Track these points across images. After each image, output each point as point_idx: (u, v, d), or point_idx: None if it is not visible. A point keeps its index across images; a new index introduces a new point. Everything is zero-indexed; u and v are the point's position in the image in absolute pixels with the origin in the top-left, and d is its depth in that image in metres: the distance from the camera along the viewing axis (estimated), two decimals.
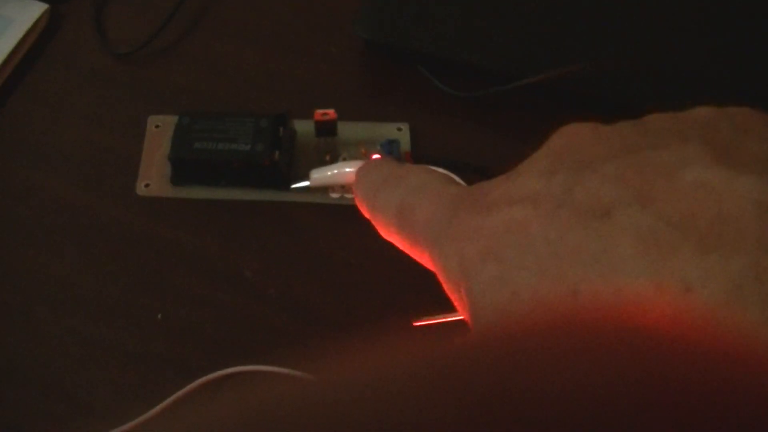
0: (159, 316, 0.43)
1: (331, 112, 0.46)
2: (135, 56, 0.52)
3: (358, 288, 0.44)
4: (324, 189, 0.46)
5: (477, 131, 0.48)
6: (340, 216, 0.46)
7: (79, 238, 0.45)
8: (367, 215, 0.29)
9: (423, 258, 0.25)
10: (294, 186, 0.46)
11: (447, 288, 0.22)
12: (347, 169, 0.45)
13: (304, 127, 0.47)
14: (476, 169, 0.46)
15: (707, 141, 0.19)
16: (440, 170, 0.27)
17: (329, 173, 0.45)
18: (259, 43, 0.52)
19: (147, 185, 0.46)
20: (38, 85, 0.51)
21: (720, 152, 0.18)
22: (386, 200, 0.26)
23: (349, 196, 0.46)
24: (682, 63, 0.48)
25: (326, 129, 0.46)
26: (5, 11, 0.51)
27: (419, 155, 0.47)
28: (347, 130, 0.47)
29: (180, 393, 0.41)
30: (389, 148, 0.46)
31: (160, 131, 0.48)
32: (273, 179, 0.45)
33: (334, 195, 0.46)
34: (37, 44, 0.51)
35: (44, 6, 0.51)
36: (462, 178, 0.44)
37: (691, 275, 0.16)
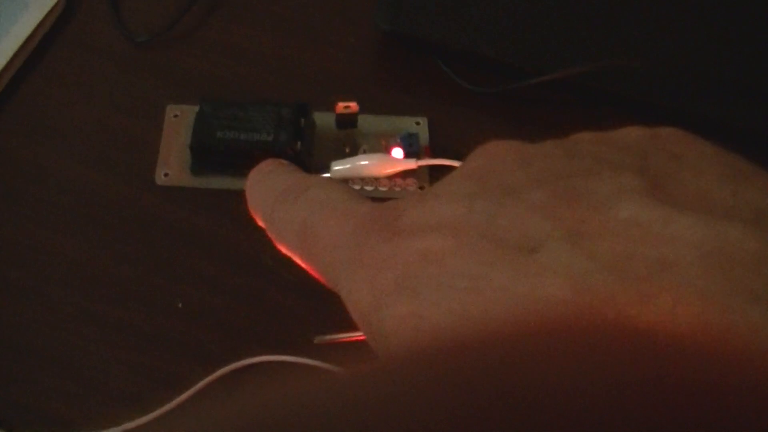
0: (179, 304, 0.44)
1: (353, 105, 0.46)
2: (153, 42, 0.52)
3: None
4: (344, 181, 0.46)
5: (495, 127, 0.49)
6: None
7: (98, 221, 0.45)
8: (260, 224, 0.26)
9: (326, 281, 0.22)
10: None
11: (355, 316, 0.20)
12: (367, 162, 0.46)
13: (323, 118, 0.48)
14: None
15: (640, 171, 0.18)
16: (342, 185, 0.24)
17: (350, 165, 0.46)
18: (278, 31, 0.52)
19: (166, 174, 0.47)
20: (55, 69, 0.50)
21: (654, 185, 0.17)
22: (286, 214, 0.23)
23: (369, 188, 0.46)
24: (699, 61, 0.49)
25: (347, 121, 0.47)
26: None
27: (439, 149, 0.47)
28: (366, 122, 0.48)
29: (202, 383, 0.41)
30: (409, 142, 0.46)
31: (178, 120, 0.48)
32: None
33: (355, 186, 0.46)
34: (54, 29, 0.51)
35: None
36: None
37: (631, 321, 0.15)
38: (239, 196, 0.46)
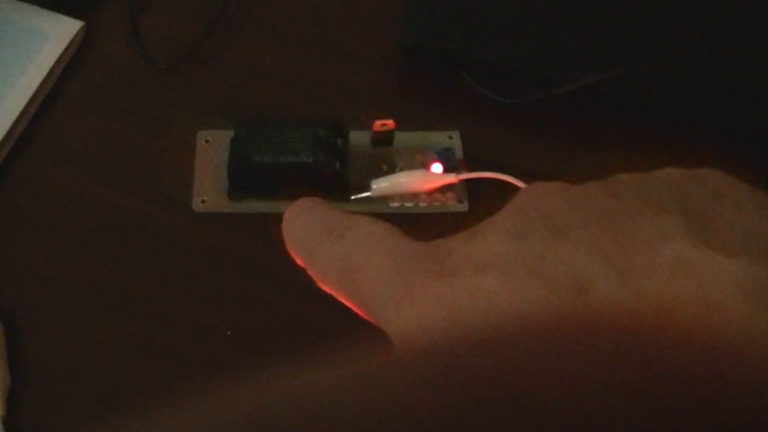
0: (229, 332, 0.43)
1: (390, 123, 0.46)
2: (177, 68, 0.51)
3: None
4: (383, 198, 0.46)
5: (526, 137, 0.49)
6: (402, 225, 0.46)
7: (140, 252, 0.45)
8: (300, 263, 0.26)
9: (371, 318, 0.23)
10: (354, 197, 0.46)
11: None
12: (408, 179, 0.46)
13: (354, 137, 0.48)
14: (530, 175, 0.47)
15: (683, 211, 0.18)
16: (384, 223, 0.24)
17: (390, 183, 0.46)
18: (302, 50, 0.52)
19: (203, 201, 0.46)
20: (80, 99, 0.50)
21: (698, 225, 0.18)
22: (329, 253, 0.23)
23: (408, 204, 0.46)
24: (729, 68, 0.50)
25: (384, 139, 0.47)
26: (41, 25, 0.50)
27: (474, 162, 0.48)
28: (399, 138, 0.48)
29: None
30: (446, 156, 0.46)
31: (210, 146, 0.48)
32: (333, 190, 0.46)
33: (394, 204, 0.46)
34: (75, 60, 0.51)
35: (79, 23, 0.51)
36: (522, 181, 0.46)
37: None
38: (278, 219, 0.46)
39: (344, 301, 0.24)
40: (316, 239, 0.24)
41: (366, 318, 0.23)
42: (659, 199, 0.19)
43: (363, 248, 0.22)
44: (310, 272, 0.25)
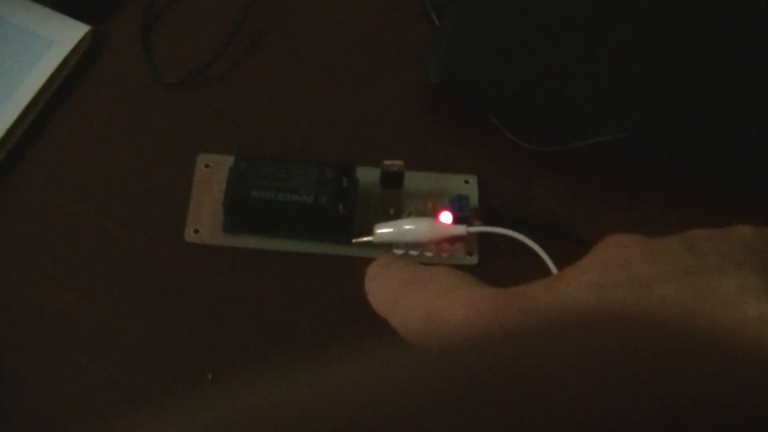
0: (209, 376, 0.41)
1: (399, 164, 0.43)
2: (185, 85, 0.48)
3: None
4: (387, 244, 0.43)
5: (549, 187, 0.46)
6: None
7: (124, 282, 0.42)
8: (384, 316, 0.27)
9: None
10: (356, 240, 0.43)
11: None
12: (413, 227, 0.43)
13: (366, 174, 0.44)
14: (550, 231, 0.43)
15: (762, 269, 0.19)
16: (463, 273, 0.25)
17: (395, 230, 0.42)
18: (319, 77, 0.49)
19: (196, 231, 0.44)
20: (79, 112, 0.47)
21: None
22: (411, 303, 0.24)
23: (414, 253, 0.43)
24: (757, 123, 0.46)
25: (393, 181, 0.43)
26: (45, 32, 0.48)
27: (489, 212, 0.44)
28: (412, 180, 0.44)
29: None
30: (459, 205, 0.43)
31: (210, 172, 0.45)
32: (335, 232, 0.43)
33: (398, 251, 0.43)
34: (79, 67, 0.48)
35: (86, 28, 0.48)
36: (534, 239, 0.42)
37: None
38: (274, 257, 0.43)
39: None
40: (398, 290, 0.25)
41: None
42: (737, 257, 0.19)
43: (444, 297, 0.23)
44: (393, 323, 0.26)
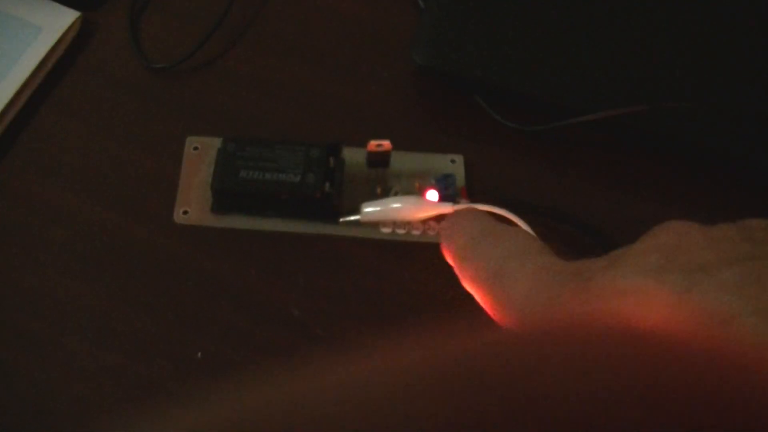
0: (199, 354, 0.41)
1: (386, 144, 0.43)
2: (173, 71, 0.49)
3: (410, 330, 0.42)
4: (374, 223, 0.43)
5: (535, 167, 0.46)
6: (391, 252, 0.43)
7: (115, 267, 0.43)
8: (450, 260, 0.29)
9: (507, 323, 0.24)
10: (343, 219, 0.43)
11: None
12: (400, 205, 0.43)
13: (353, 155, 0.45)
14: (535, 209, 0.44)
15: None
16: (536, 239, 0.27)
17: (381, 208, 0.43)
18: (306, 62, 0.49)
19: (185, 212, 0.44)
20: (68, 98, 0.48)
21: None
22: (483, 257, 0.26)
23: (401, 231, 0.43)
24: (747, 106, 0.46)
25: (379, 160, 0.44)
26: (34, 19, 0.48)
27: (475, 191, 0.44)
28: (399, 160, 0.45)
29: None
30: (445, 184, 0.43)
31: (199, 154, 0.46)
32: (322, 212, 0.43)
33: (385, 230, 0.43)
34: (68, 54, 0.48)
35: (76, 14, 0.48)
36: (520, 218, 0.42)
37: None
38: (263, 237, 0.44)
39: (484, 302, 0.26)
40: (474, 240, 0.27)
41: (498, 320, 0.25)
42: None
43: (515, 259, 0.25)
44: (462, 270, 0.27)
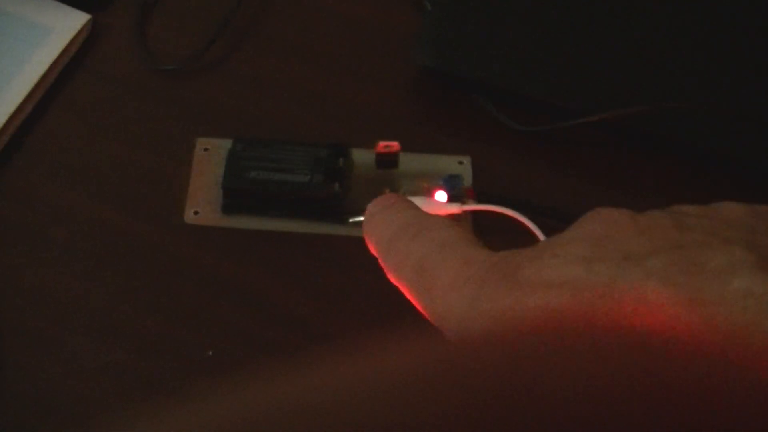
0: (210, 353, 0.41)
1: (394, 145, 0.44)
2: (181, 72, 0.49)
3: (418, 332, 0.42)
4: None
5: (540, 167, 0.46)
6: None
7: (121, 266, 0.43)
8: (375, 254, 0.28)
9: (434, 320, 0.24)
10: (351, 220, 0.44)
11: None
12: None
13: (361, 156, 0.45)
14: (542, 210, 0.44)
15: (750, 246, 0.19)
16: (459, 229, 0.26)
17: None
18: (312, 64, 0.50)
19: (196, 213, 0.44)
20: (78, 99, 0.48)
21: (763, 258, 0.18)
22: (406, 249, 0.25)
23: None
24: (749, 108, 0.46)
25: (388, 162, 0.44)
26: (45, 21, 0.48)
27: (482, 192, 0.45)
28: (407, 161, 0.45)
29: None
30: (452, 184, 0.44)
31: (209, 155, 0.46)
32: (330, 212, 0.43)
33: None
34: (77, 56, 0.49)
35: (86, 16, 0.49)
36: (526, 218, 0.43)
37: None
38: (272, 237, 0.44)
39: (410, 297, 0.25)
40: (395, 233, 0.26)
41: (427, 316, 0.24)
42: (724, 233, 0.20)
43: (438, 251, 0.24)
44: (384, 264, 0.26)
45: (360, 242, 0.44)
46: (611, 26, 0.48)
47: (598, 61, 0.47)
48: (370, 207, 0.29)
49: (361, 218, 0.43)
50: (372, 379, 0.13)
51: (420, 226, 0.25)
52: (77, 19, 0.49)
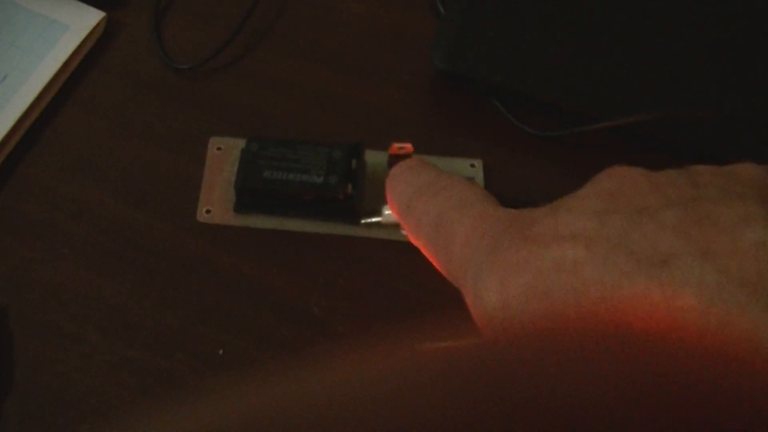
0: (220, 351, 0.41)
1: (408, 146, 0.44)
2: (196, 71, 0.49)
3: (431, 331, 0.42)
4: (395, 225, 0.44)
5: (553, 172, 0.47)
6: (412, 254, 0.43)
7: (137, 262, 0.43)
8: (396, 215, 0.28)
9: (450, 276, 0.24)
10: (364, 221, 0.44)
11: (477, 314, 0.21)
12: None
13: (374, 157, 0.46)
14: None
15: (763, 200, 0.19)
16: (478, 188, 0.26)
17: None
18: (327, 64, 0.50)
19: (208, 211, 0.44)
20: (93, 96, 0.48)
21: None
22: (425, 208, 0.25)
23: None
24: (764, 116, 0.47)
25: None
26: (61, 17, 0.48)
27: (495, 194, 0.45)
28: None
29: None
30: None
31: (222, 154, 0.46)
32: (343, 213, 0.44)
33: (405, 231, 0.44)
34: (93, 53, 0.49)
35: (101, 14, 0.49)
36: None
37: (764, 334, 0.16)
38: (284, 237, 0.44)
39: (427, 254, 0.25)
40: (415, 193, 0.26)
41: (444, 273, 0.24)
42: (738, 189, 0.20)
43: (457, 208, 0.24)
44: (404, 223, 0.27)
45: (372, 243, 0.45)
46: (627, 32, 0.48)
47: (614, 66, 0.48)
48: (393, 170, 0.29)
49: (375, 219, 0.44)
50: (381, 379, 0.13)
51: (439, 186, 0.26)
52: (93, 17, 0.49)
